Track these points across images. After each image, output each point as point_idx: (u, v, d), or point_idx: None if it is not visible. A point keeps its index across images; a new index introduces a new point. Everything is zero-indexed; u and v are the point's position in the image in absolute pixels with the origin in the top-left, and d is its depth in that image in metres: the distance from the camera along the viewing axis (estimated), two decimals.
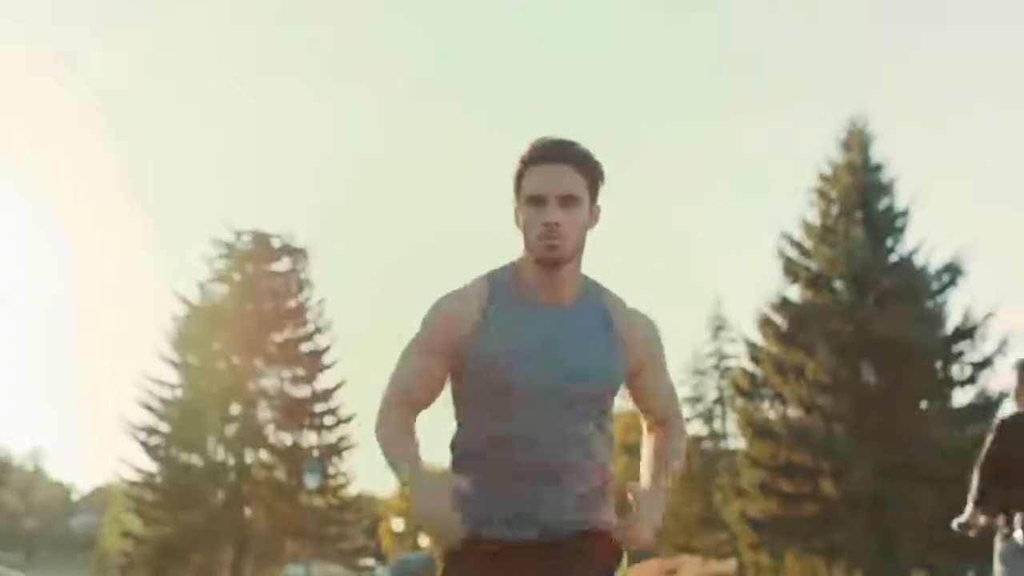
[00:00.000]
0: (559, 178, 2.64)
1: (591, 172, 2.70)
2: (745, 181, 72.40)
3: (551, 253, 2.64)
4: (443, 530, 2.52)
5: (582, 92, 75.84)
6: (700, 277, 72.16)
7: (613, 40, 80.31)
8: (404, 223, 74.65)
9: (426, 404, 2.77)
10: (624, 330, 2.75)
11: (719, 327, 40.51)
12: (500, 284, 2.74)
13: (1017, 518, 5.64)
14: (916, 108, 66.89)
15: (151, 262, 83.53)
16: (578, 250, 2.70)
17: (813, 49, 76.69)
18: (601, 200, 2.74)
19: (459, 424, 2.77)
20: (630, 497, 2.68)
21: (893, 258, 29.08)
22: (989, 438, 5.76)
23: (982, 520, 5.68)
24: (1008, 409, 6.08)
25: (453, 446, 2.77)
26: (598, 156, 2.69)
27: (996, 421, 5.85)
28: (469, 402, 2.73)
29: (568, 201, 2.65)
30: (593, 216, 2.73)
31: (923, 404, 28.09)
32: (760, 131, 71.92)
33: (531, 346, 2.66)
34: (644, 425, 2.95)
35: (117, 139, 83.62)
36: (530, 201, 2.65)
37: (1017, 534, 5.64)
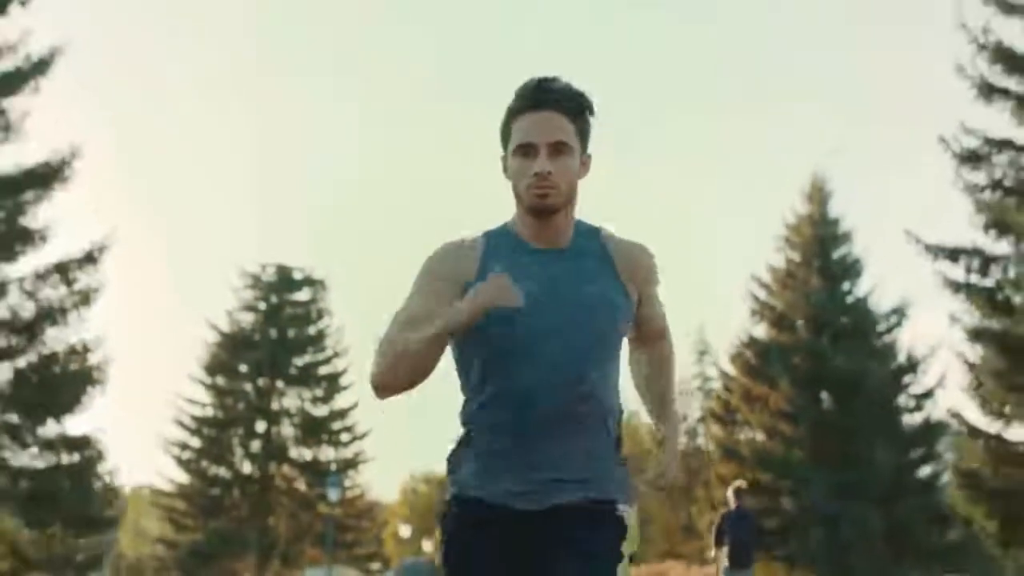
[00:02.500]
0: (548, 126, 2.65)
1: (580, 117, 2.70)
2: (739, 185, 75.12)
3: (542, 202, 2.65)
4: (506, 298, 2.56)
5: (589, 75, 78.00)
6: (690, 294, 75.28)
7: (613, 39, 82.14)
8: (410, 239, 77.67)
9: None
10: (624, 265, 2.76)
11: (702, 351, 45.50)
12: (496, 235, 2.77)
13: (724, 551, 11.92)
14: (916, 107, 69.70)
15: (158, 275, 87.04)
16: (570, 198, 2.70)
17: (813, 49, 78.79)
18: (592, 149, 2.75)
19: (466, 386, 2.75)
20: (655, 438, 2.83)
21: (849, 299, 34.06)
22: (718, 517, 11.59)
23: (719, 554, 11.56)
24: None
25: (463, 412, 2.75)
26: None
27: (721, 512, 11.68)
28: (476, 355, 2.71)
29: (558, 149, 2.65)
30: (584, 165, 2.73)
31: (873, 430, 33.00)
32: (758, 134, 74.55)
33: (533, 288, 2.64)
34: (628, 343, 2.92)
35: (122, 147, 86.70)
36: (519, 150, 2.67)
37: (724, 563, 12.09)
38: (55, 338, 21.25)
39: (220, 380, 40.78)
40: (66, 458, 21.54)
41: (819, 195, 34.47)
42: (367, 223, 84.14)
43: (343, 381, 41.38)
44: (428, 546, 56.48)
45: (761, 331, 34.29)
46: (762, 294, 34.55)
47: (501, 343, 2.65)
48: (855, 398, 32.39)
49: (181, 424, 40.15)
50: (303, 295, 41.96)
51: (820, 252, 33.87)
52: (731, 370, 34.87)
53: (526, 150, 2.66)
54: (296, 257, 70.63)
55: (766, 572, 33.43)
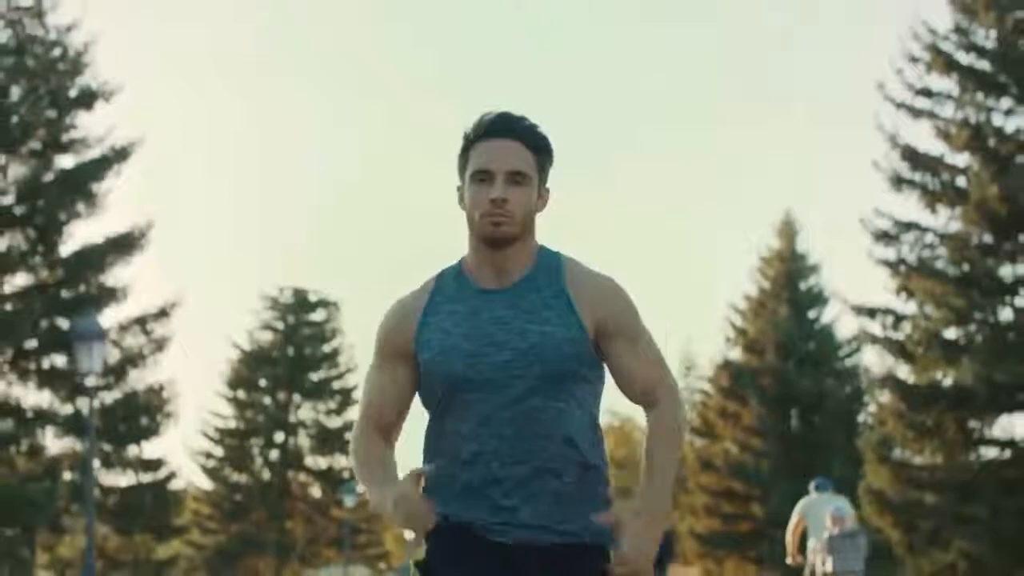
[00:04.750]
0: (507, 153, 2.69)
1: (540, 150, 2.74)
2: (738, 192, 76.28)
3: (496, 231, 2.67)
4: (415, 520, 2.59)
5: (582, 95, 78.78)
6: (682, 309, 77.75)
7: (612, 44, 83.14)
8: (415, 253, 77.99)
9: (394, 420, 2.83)
10: (575, 293, 2.72)
11: (688, 367, 50.94)
12: (446, 277, 2.78)
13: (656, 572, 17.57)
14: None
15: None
16: (526, 231, 2.73)
17: (813, 50, 79.52)
18: (551, 184, 2.78)
19: (425, 430, 2.81)
20: (615, 519, 2.63)
21: (815, 327, 39.51)
22: None
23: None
24: None
25: (424, 453, 2.81)
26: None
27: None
28: (429, 403, 2.78)
29: (515, 178, 2.68)
30: (542, 198, 2.77)
31: (833, 445, 38.31)
32: (758, 138, 75.57)
33: (470, 334, 2.69)
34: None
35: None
36: (475, 177, 2.69)
37: None
38: (136, 379, 26.98)
39: (241, 394, 45.47)
40: (144, 477, 27.37)
41: (789, 231, 39.89)
42: (371, 239, 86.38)
43: (355, 395, 45.49)
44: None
45: (736, 354, 39.77)
46: (738, 320, 40.02)
47: (444, 391, 2.72)
48: (818, 416, 37.88)
49: (206, 435, 44.72)
50: (318, 315, 46.66)
51: (789, 284, 39.33)
52: (709, 389, 40.47)
53: (483, 176, 2.69)
54: (308, 277, 74.05)
55: (739, 571, 39.02)
